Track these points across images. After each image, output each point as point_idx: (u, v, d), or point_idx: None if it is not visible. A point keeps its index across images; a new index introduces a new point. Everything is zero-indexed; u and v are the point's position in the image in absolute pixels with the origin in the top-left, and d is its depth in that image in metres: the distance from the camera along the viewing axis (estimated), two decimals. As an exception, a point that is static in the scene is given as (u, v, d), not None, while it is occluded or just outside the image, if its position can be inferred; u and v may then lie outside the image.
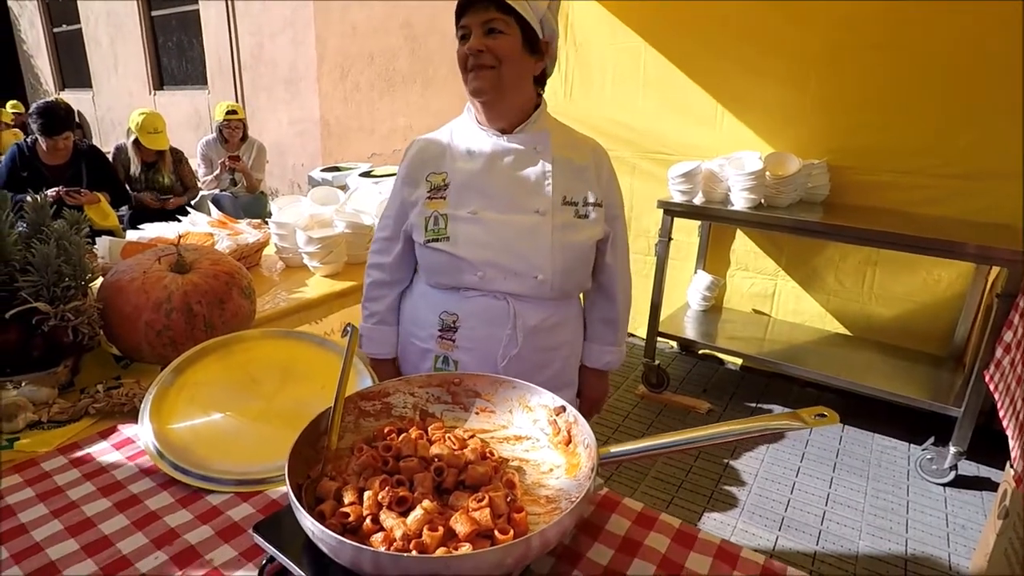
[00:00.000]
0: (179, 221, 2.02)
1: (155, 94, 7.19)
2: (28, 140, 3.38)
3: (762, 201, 2.64)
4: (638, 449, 0.76)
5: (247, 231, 1.96)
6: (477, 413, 0.93)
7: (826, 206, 2.74)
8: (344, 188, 4.11)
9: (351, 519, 0.67)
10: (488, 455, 0.82)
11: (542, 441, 0.88)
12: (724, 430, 0.74)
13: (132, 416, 1.09)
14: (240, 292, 1.36)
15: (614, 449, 0.76)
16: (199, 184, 4.16)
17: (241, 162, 4.13)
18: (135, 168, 3.79)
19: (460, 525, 0.66)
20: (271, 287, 1.87)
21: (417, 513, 0.66)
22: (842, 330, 2.94)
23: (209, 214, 3.24)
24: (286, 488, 0.67)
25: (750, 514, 2.12)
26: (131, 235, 1.85)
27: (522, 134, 1.18)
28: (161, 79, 7.26)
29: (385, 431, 0.85)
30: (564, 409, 0.86)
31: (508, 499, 0.72)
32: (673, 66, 3.04)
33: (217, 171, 4.16)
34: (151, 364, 1.27)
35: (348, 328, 0.93)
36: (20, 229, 1.16)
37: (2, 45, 10.11)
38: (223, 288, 1.31)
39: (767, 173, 2.55)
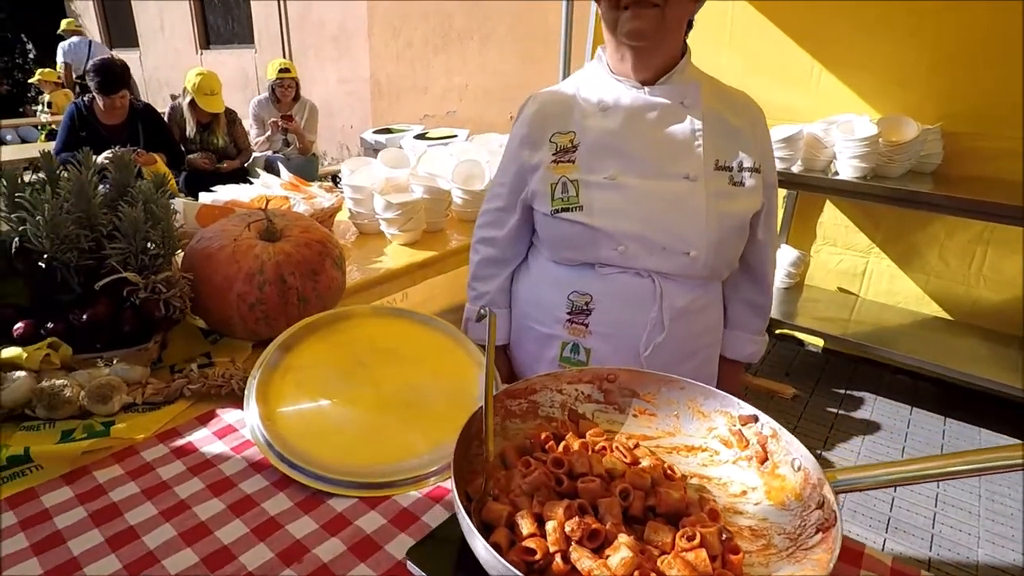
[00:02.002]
0: (250, 183, 1.91)
1: (202, 53, 7.10)
2: (85, 99, 3.32)
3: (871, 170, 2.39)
4: (880, 478, 0.61)
5: (321, 195, 1.84)
6: (635, 415, 0.80)
7: (936, 177, 2.47)
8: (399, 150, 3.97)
9: (538, 557, 0.55)
10: (670, 473, 0.68)
11: (723, 455, 0.73)
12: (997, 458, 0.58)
13: (230, 399, 0.99)
14: (332, 263, 1.24)
15: (848, 476, 0.61)
16: (251, 146, 4.07)
17: (294, 122, 4.02)
18: (190, 129, 3.72)
19: (675, 572, 0.53)
20: (346, 256, 1.76)
21: (623, 554, 0.53)
22: (942, 314, 2.71)
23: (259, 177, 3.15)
24: (454, 506, 0.55)
25: (851, 512, 1.97)
26: (204, 197, 1.75)
27: (667, 85, 1.01)
28: (208, 38, 7.16)
29: (542, 437, 0.72)
30: (756, 419, 0.71)
31: (723, 537, 0.58)
32: (765, 20, 2.77)
33: (269, 132, 4.06)
34: (241, 340, 1.17)
35: (485, 313, 0.80)
36: (104, 190, 1.05)
37: (51, 6, 10.14)
38: (316, 258, 1.20)
39: (880, 139, 2.30)
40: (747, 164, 1.02)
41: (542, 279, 1.14)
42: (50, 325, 0.98)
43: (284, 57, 5.95)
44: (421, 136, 4.43)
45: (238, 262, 1.11)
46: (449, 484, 0.80)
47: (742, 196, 1.02)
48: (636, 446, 0.74)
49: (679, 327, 1.04)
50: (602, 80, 1.05)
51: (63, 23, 6.52)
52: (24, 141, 6.79)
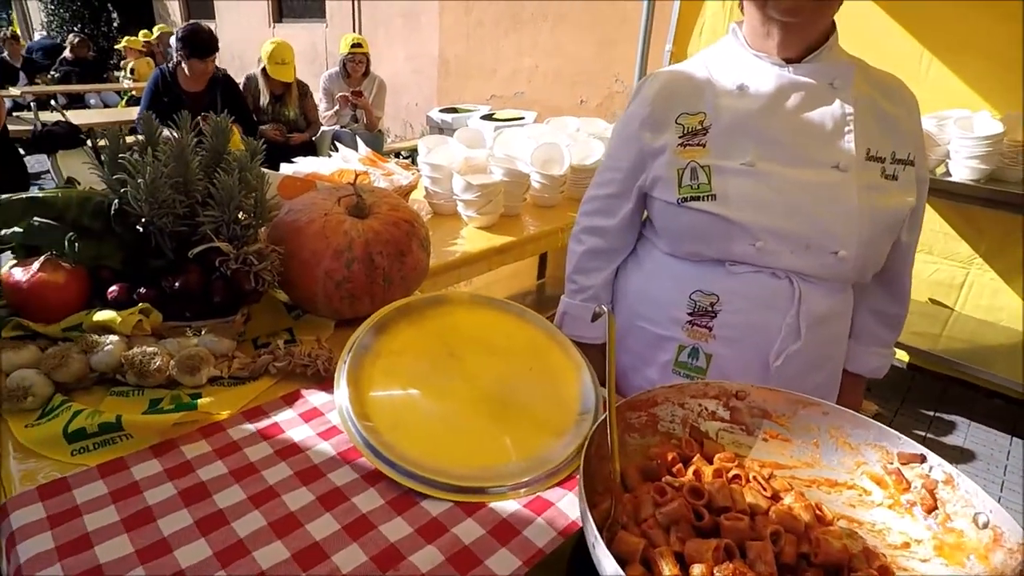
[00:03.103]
0: (330, 155, 1.89)
1: (274, 27, 7.22)
2: (169, 66, 3.39)
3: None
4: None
5: (398, 171, 1.80)
6: (765, 439, 0.71)
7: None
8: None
9: (686, 607, 0.47)
10: (820, 514, 0.60)
11: (875, 495, 0.64)
12: None
13: (314, 380, 0.96)
14: (419, 244, 1.19)
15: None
16: (320, 119, 4.09)
17: (363, 98, 4.01)
18: (264, 99, 3.75)
19: (853, 641, 0.45)
20: (422, 236, 1.71)
21: (790, 615, 0.45)
22: (1051, 337, 2.47)
23: (329, 152, 3.15)
24: (588, 535, 0.48)
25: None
26: (285, 168, 1.73)
27: (815, 64, 0.90)
28: (281, 11, 7.26)
29: (668, 459, 0.64)
30: (923, 459, 0.62)
31: (902, 603, 0.49)
32: (867, 2, 2.55)
33: (337, 107, 4.07)
34: (323, 318, 1.14)
35: (601, 311, 0.72)
36: (199, 156, 1.02)
37: (136, -26, 10.54)
38: (404, 237, 1.14)
39: (1005, 139, 2.09)
40: (900, 155, 0.90)
41: (658, 274, 1.05)
42: (142, 290, 0.96)
43: (355, 33, 5.97)
44: (488, 117, 4.36)
45: (327, 238, 1.07)
46: (550, 495, 0.74)
47: (895, 191, 0.91)
48: (771, 476, 0.65)
49: (814, 335, 0.94)
50: (739, 57, 0.95)
51: None
52: (106, 106, 7.09)
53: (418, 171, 1.90)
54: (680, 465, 0.64)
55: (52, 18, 11.21)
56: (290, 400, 0.91)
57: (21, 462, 0.76)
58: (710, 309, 0.96)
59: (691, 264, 0.99)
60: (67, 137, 3.55)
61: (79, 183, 1.03)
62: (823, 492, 0.66)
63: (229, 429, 0.84)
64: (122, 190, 0.89)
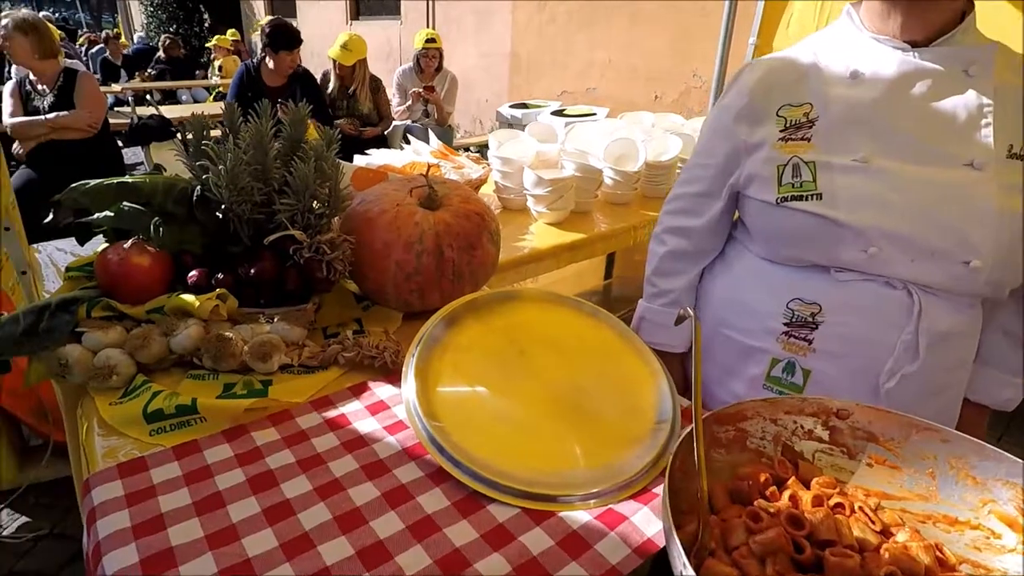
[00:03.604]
0: (403, 149, 1.90)
1: (351, 24, 7.43)
2: (254, 61, 3.53)
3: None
4: None
5: (468, 165, 1.78)
6: (870, 465, 0.64)
7: None
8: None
9: (787, 653, 0.42)
10: (941, 557, 0.52)
11: (1006, 539, 0.56)
12: None
13: (382, 372, 0.95)
14: (489, 237, 1.16)
15: None
16: (392, 114, 4.16)
17: (435, 93, 4.04)
18: (334, 89, 3.82)
19: None
20: (490, 230, 1.69)
21: None
22: None
23: (400, 146, 3.18)
24: (676, 563, 0.43)
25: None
26: (359, 160, 1.75)
27: (946, 48, 0.80)
28: (358, 9, 7.47)
29: (761, 480, 0.58)
30: (1070, 502, 0.53)
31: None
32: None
33: (410, 101, 4.12)
34: (392, 310, 1.13)
35: (686, 314, 0.67)
36: (277, 145, 1.03)
37: (225, -24, 11.13)
38: (474, 231, 1.12)
39: None
40: None
41: (750, 279, 0.97)
42: (220, 276, 0.97)
43: (428, 29, 6.05)
44: (558, 112, 4.31)
45: (399, 228, 1.06)
46: (623, 509, 0.69)
47: None
48: (878, 507, 0.58)
49: (935, 356, 0.83)
50: (854, 42, 0.86)
51: None
52: (196, 101, 7.52)
53: (488, 165, 1.88)
54: (773, 488, 0.58)
55: (151, 19, 12.01)
56: (357, 392, 0.91)
57: (104, 438, 0.79)
58: (810, 320, 0.87)
59: (790, 270, 0.90)
60: (160, 130, 3.78)
61: (165, 169, 1.05)
62: (941, 531, 0.58)
63: (298, 418, 0.84)
64: (204, 176, 0.91)
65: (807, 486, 0.60)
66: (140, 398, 0.82)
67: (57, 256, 1.36)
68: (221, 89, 7.03)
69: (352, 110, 3.89)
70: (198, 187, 0.95)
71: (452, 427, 0.78)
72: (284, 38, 3.29)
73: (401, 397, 0.88)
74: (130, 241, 0.95)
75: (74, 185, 0.92)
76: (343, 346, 0.96)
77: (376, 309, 1.14)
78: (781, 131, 0.87)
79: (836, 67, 0.85)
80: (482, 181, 1.80)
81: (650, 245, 1.13)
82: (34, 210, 3.50)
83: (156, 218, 0.99)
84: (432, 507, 0.69)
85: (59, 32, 3.42)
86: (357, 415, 0.85)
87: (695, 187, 1.03)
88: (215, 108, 5.49)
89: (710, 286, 1.06)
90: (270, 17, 6.56)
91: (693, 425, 0.56)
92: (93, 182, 0.93)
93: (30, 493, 1.81)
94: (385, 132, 4.09)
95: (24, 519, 1.73)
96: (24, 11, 3.06)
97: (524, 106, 4.63)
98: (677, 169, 2.06)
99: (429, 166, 1.16)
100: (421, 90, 4.00)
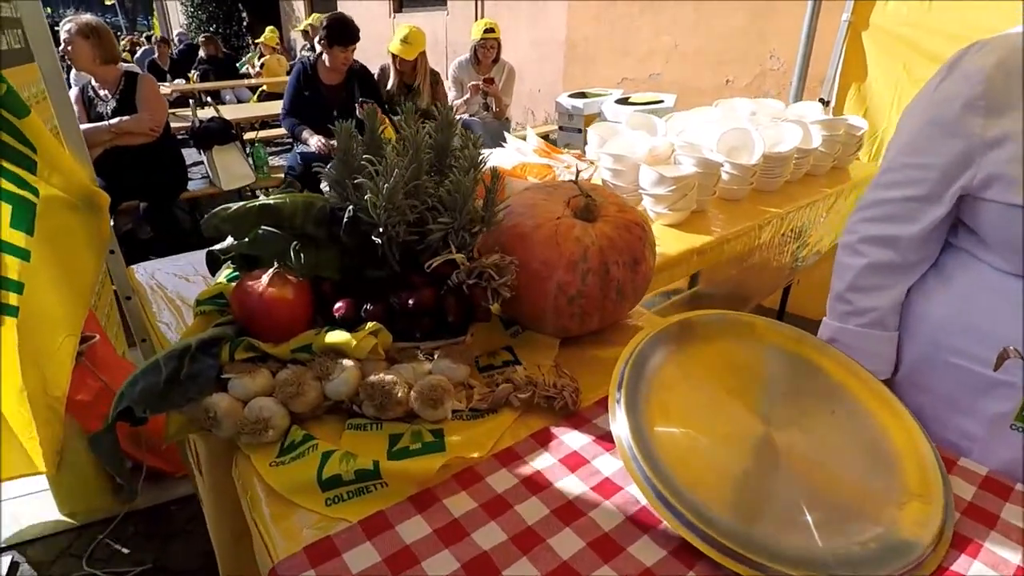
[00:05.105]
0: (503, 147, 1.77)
1: (394, 16, 7.32)
2: (310, 58, 3.43)
3: None
4: None
5: (575, 163, 1.64)
6: None
7: None
8: (597, 116, 3.71)
9: None
10: None
11: None
12: None
13: (562, 414, 0.82)
14: (650, 250, 1.03)
15: None
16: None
17: (495, 85, 3.90)
18: (392, 84, 3.71)
19: None
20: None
21: None
22: None
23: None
24: None
25: None
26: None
27: None
28: (401, 2, 7.34)
29: None
30: None
31: None
32: None
33: (467, 95, 3.98)
34: (546, 335, 1.00)
35: (1015, 356, 0.51)
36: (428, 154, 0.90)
37: (262, -26, 11.14)
38: (636, 244, 0.98)
39: None
40: None
41: (983, 297, 0.82)
42: (369, 306, 0.85)
43: (476, 18, 5.90)
44: (622, 101, 4.12)
45: (559, 246, 0.92)
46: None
47: None
48: None
49: None
50: None
51: None
52: (239, 101, 7.53)
53: (591, 163, 1.73)
54: None
55: (191, 20, 12.12)
56: (542, 440, 0.78)
57: (275, 508, 0.68)
58: None
59: None
60: (221, 132, 3.72)
61: (300, 187, 0.94)
62: None
63: (487, 478, 0.72)
64: (365, 197, 0.79)
65: None
66: (307, 460, 0.71)
67: (161, 277, 1.27)
68: (264, 88, 7.01)
69: (415, 106, 3.78)
70: (349, 207, 0.83)
71: (686, 484, 0.64)
72: (340, 33, 3.18)
73: (592, 445, 0.76)
74: (270, 271, 0.84)
75: (215, 211, 0.81)
76: (514, 385, 0.84)
77: (527, 335, 1.01)
78: None
79: None
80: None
81: (840, 257, 0.98)
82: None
83: (295, 242, 0.87)
84: (699, 607, 0.56)
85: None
86: (554, 473, 0.72)
87: (907, 190, 0.87)
88: (264, 108, 5.45)
89: (923, 304, 0.90)
90: (316, 14, 6.50)
91: None
92: (234, 206, 0.82)
93: (127, 522, 1.75)
94: (442, 127, 3.96)
95: (123, 552, 1.67)
96: (87, 16, 3.02)
97: (583, 95, 4.45)
98: (794, 161, 1.88)
99: (578, 171, 1.02)
100: (480, 83, 3.85)
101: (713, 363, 0.79)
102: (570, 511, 0.67)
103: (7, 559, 1.69)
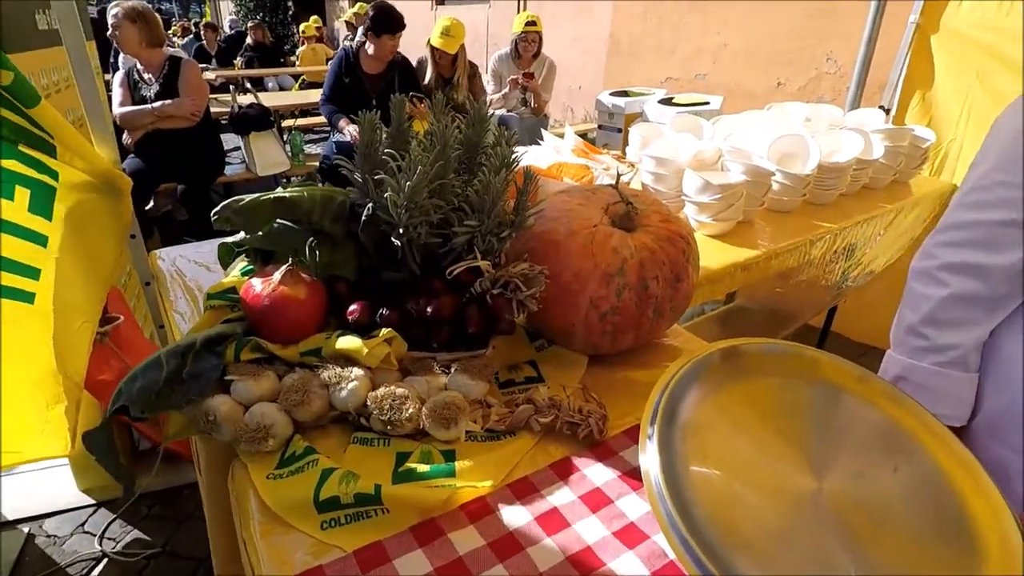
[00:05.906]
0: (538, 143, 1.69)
1: (436, 9, 7.29)
2: (353, 46, 3.41)
3: None
4: None
5: (615, 165, 1.55)
6: None
7: None
8: (639, 116, 3.59)
9: None
10: None
11: None
12: None
13: (585, 443, 0.75)
14: (694, 266, 0.94)
15: None
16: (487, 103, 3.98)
17: (534, 80, 3.82)
18: (430, 77, 3.66)
19: None
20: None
21: None
22: None
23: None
24: None
25: None
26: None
27: None
28: (444, -6, 7.32)
29: None
30: None
31: None
32: None
33: (506, 89, 3.91)
34: (574, 352, 0.93)
35: None
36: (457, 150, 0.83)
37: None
38: (679, 258, 0.90)
39: None
40: None
41: None
42: (384, 312, 0.79)
43: (518, 12, 5.82)
44: (666, 101, 3.99)
45: (594, 256, 0.85)
46: None
47: None
48: None
49: None
50: None
51: None
52: (281, 88, 7.61)
53: (631, 165, 1.65)
54: None
55: (239, 8, 12.36)
56: (562, 472, 0.71)
57: (266, 527, 0.62)
58: None
59: None
60: (259, 119, 3.74)
61: (320, 179, 0.88)
62: None
63: (498, 511, 0.65)
64: (385, 194, 0.72)
65: None
66: (306, 476, 0.65)
67: (182, 264, 1.24)
68: (306, 77, 7.07)
69: (448, 100, 3.73)
70: (369, 204, 0.77)
71: (730, 549, 0.56)
72: (387, 22, 3.15)
73: (619, 483, 0.68)
74: (284, 268, 0.79)
75: (227, 202, 0.76)
76: (536, 407, 0.76)
77: (553, 350, 0.94)
78: None
79: None
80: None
81: (914, 284, 0.87)
82: (143, 198, 3.53)
83: (312, 238, 0.82)
84: None
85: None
86: (574, 512, 0.65)
87: (999, 213, 0.77)
88: (304, 96, 5.48)
89: (1011, 344, 0.79)
90: (361, 3, 6.51)
91: None
92: (248, 198, 0.76)
93: (142, 502, 1.75)
94: (479, 122, 3.90)
95: (136, 532, 1.66)
96: (135, 0, 3.05)
97: (625, 94, 4.33)
98: (852, 172, 1.76)
99: (619, 174, 0.94)
100: (520, 77, 3.78)
101: (761, 401, 0.70)
102: (588, 560, 0.59)
103: (25, 530, 1.70)
